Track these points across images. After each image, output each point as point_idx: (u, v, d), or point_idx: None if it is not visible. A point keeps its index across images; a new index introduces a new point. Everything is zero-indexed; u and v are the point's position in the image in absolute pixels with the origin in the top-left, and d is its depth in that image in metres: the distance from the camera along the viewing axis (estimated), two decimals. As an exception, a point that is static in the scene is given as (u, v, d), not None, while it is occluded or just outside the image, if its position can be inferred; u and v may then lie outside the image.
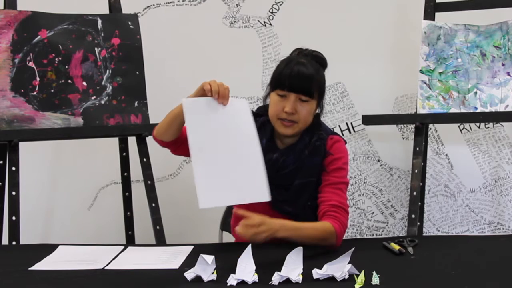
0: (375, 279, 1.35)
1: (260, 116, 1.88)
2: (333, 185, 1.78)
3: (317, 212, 1.77)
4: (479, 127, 2.85)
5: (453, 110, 2.49)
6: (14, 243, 2.14)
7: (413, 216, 2.36)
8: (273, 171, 1.78)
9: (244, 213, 1.60)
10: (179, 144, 1.84)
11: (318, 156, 1.80)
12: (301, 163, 1.80)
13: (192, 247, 1.74)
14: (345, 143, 1.89)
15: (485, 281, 1.37)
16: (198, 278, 1.41)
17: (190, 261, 1.57)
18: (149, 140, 2.47)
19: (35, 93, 2.34)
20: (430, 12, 2.58)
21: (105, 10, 2.57)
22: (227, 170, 1.65)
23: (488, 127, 2.84)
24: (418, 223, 2.57)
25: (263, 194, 1.63)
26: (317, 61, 1.82)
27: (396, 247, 1.62)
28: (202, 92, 1.69)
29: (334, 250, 1.64)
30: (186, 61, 2.90)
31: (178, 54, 2.91)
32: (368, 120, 2.56)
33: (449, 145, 2.87)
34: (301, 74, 1.74)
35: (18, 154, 2.25)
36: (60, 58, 2.40)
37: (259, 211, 1.80)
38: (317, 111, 1.86)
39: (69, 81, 2.41)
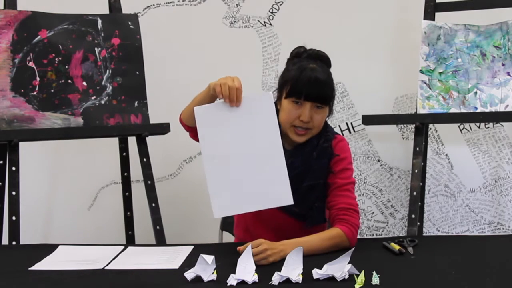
0: (375, 279, 1.35)
1: None
2: (340, 188, 1.79)
3: (329, 217, 1.79)
4: (479, 127, 2.85)
5: (453, 110, 2.49)
6: (14, 243, 2.14)
7: (413, 216, 2.36)
8: None
9: (243, 247, 1.55)
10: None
11: (326, 158, 1.81)
12: (308, 165, 1.79)
13: (192, 247, 1.74)
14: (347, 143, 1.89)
15: (485, 281, 1.37)
16: (198, 278, 1.41)
17: (190, 261, 1.57)
18: (149, 140, 2.47)
19: (35, 93, 2.34)
20: (430, 12, 2.58)
21: (105, 10, 2.57)
22: (244, 176, 1.60)
23: (488, 127, 2.84)
24: (418, 223, 2.57)
25: (286, 198, 1.59)
26: (324, 62, 1.82)
27: (396, 247, 1.62)
28: (212, 93, 1.67)
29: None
30: (186, 61, 2.90)
31: (178, 54, 2.90)
32: (368, 120, 2.56)
33: (449, 145, 2.87)
34: (318, 82, 1.73)
35: (18, 154, 2.24)
36: (60, 58, 2.40)
37: (266, 212, 1.81)
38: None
39: (69, 81, 2.41)
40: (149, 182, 2.41)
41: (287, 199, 1.60)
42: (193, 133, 1.85)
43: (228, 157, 1.62)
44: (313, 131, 1.79)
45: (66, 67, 2.41)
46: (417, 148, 2.46)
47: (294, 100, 1.74)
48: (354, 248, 1.43)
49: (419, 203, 2.54)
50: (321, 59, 1.81)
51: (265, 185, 1.60)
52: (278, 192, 1.60)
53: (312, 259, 1.50)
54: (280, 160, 1.60)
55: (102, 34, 2.47)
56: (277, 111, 1.80)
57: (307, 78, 1.72)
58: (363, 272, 1.35)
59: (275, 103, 1.82)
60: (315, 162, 1.79)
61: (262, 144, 1.61)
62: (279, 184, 1.59)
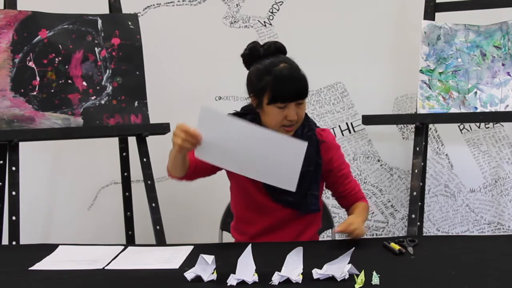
0: (375, 279, 1.35)
1: (246, 114, 1.88)
2: (346, 176, 1.94)
3: (345, 202, 1.96)
4: (479, 127, 2.85)
5: (453, 110, 2.49)
6: (14, 243, 2.14)
7: (413, 216, 2.36)
8: None
9: (342, 228, 1.71)
10: (190, 174, 1.85)
11: (312, 146, 1.84)
12: None
13: (192, 247, 1.74)
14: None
15: (485, 281, 1.37)
16: (198, 278, 1.41)
17: (190, 261, 1.57)
18: (149, 140, 2.47)
19: (35, 93, 2.34)
20: (430, 12, 2.58)
21: (105, 10, 2.57)
22: (268, 157, 1.66)
23: (488, 127, 2.84)
24: (418, 223, 2.57)
25: (300, 146, 1.63)
26: (284, 53, 1.83)
27: (396, 247, 1.62)
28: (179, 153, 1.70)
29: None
30: (186, 61, 2.90)
31: (178, 54, 2.90)
32: (368, 120, 2.56)
33: (449, 145, 2.87)
34: (295, 81, 1.75)
35: (18, 154, 2.25)
36: (60, 58, 2.40)
37: (262, 204, 1.83)
38: None
39: (69, 81, 2.41)
40: (149, 182, 2.41)
41: (302, 145, 1.63)
42: (186, 178, 1.87)
43: (247, 158, 1.67)
44: (298, 124, 1.84)
45: (66, 67, 2.41)
46: (417, 148, 2.46)
47: (280, 106, 1.76)
48: (354, 248, 1.43)
49: (419, 203, 2.54)
50: (280, 51, 1.82)
51: (282, 157, 1.67)
52: (293, 149, 1.65)
53: (312, 259, 1.50)
54: (264, 131, 1.66)
55: (102, 34, 2.47)
56: (257, 114, 1.83)
57: (285, 82, 1.73)
58: (363, 272, 1.35)
59: (253, 106, 1.84)
60: None
61: (246, 135, 1.64)
62: (286, 144, 1.65)
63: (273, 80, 1.74)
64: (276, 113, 1.77)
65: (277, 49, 1.82)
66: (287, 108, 1.76)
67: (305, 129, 1.86)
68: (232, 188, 1.96)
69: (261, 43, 1.87)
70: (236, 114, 1.91)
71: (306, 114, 1.90)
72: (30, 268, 1.58)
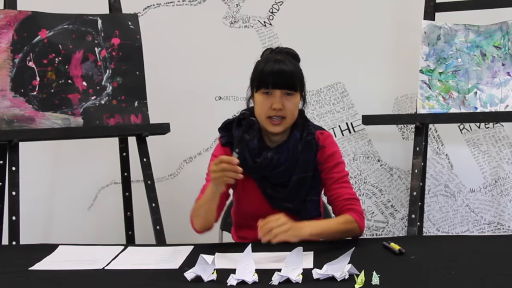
0: (375, 279, 1.35)
1: (244, 119, 1.89)
2: (338, 181, 1.83)
3: (333, 210, 1.84)
4: (479, 127, 2.85)
5: (453, 110, 2.49)
6: (14, 243, 2.14)
7: (413, 216, 2.36)
8: (268, 170, 1.81)
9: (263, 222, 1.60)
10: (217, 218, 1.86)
11: (311, 150, 1.84)
12: (295, 159, 1.82)
13: (192, 247, 1.75)
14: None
15: (485, 281, 1.37)
16: (198, 278, 1.41)
17: (190, 261, 1.57)
18: (149, 140, 2.47)
19: (35, 93, 2.34)
20: (430, 12, 2.58)
21: (105, 10, 2.57)
22: None
23: (488, 127, 2.84)
24: (418, 223, 2.57)
25: None
26: (291, 56, 1.85)
27: (396, 247, 1.62)
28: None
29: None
30: (186, 61, 2.90)
31: (178, 54, 2.90)
32: (368, 120, 2.56)
33: (449, 145, 2.87)
34: (283, 69, 1.77)
35: (18, 154, 2.25)
36: (60, 58, 2.40)
37: (260, 212, 1.82)
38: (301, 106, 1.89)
39: (69, 81, 2.41)
40: (149, 182, 2.41)
41: None
42: (210, 228, 1.88)
43: None
44: (288, 120, 1.81)
45: (66, 67, 2.41)
46: (417, 148, 2.46)
47: (264, 91, 1.78)
48: (354, 248, 1.43)
49: (419, 203, 2.54)
50: (290, 55, 1.85)
51: None
52: None
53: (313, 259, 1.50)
54: None
55: (102, 34, 2.47)
56: (252, 108, 1.86)
57: (272, 67, 1.77)
58: (363, 272, 1.35)
59: (249, 99, 1.89)
60: (302, 155, 1.82)
61: None
62: None
63: (261, 66, 1.79)
64: (262, 101, 1.79)
65: (286, 53, 1.86)
66: (273, 96, 1.77)
67: (304, 133, 1.85)
68: (234, 196, 1.97)
69: (273, 47, 1.92)
70: (232, 121, 1.91)
71: (305, 117, 1.90)
72: (30, 268, 1.58)
